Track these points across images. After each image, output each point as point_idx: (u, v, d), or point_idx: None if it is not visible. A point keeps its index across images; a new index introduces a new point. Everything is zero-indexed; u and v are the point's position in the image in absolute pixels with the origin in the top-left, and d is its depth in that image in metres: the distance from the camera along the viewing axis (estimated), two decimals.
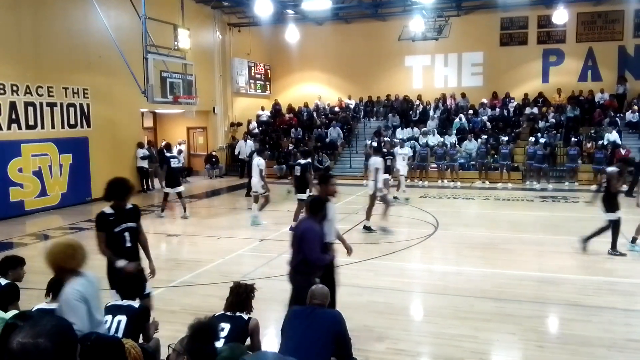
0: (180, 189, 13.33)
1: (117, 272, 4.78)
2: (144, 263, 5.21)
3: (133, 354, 2.76)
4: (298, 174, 11.39)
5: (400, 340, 5.69)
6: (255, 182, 12.16)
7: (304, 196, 10.85)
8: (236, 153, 21.59)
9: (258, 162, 12.05)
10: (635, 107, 19.74)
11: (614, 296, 6.99)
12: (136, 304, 4.26)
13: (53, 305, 4.08)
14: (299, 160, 11.71)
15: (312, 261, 5.02)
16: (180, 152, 21.29)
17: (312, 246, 5.01)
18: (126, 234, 4.98)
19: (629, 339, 5.59)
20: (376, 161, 11.02)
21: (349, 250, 6.00)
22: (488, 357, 5.39)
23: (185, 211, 13.18)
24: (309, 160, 11.76)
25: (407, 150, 16.42)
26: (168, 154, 13.36)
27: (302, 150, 12.76)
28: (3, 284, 4.69)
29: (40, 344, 1.49)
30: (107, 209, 5.00)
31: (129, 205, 5.07)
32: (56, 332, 1.54)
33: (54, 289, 4.23)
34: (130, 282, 4.40)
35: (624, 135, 19.02)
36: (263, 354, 1.67)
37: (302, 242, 5.05)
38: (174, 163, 13.14)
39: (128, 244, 4.99)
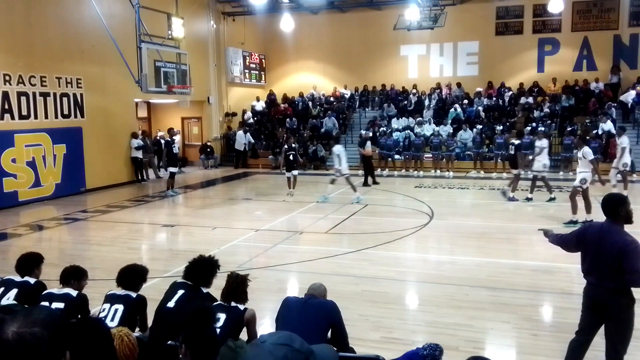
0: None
1: None
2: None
3: (126, 342, 2.73)
4: (512, 152, 13.31)
5: (396, 329, 5.72)
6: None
7: (515, 171, 13.25)
8: (237, 146, 21.55)
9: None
10: (638, 88, 19.73)
11: None
12: (134, 294, 4.26)
13: (63, 291, 4.24)
14: (512, 140, 13.92)
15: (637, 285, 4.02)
16: (174, 141, 21.37)
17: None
18: None
19: None
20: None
21: None
22: (483, 346, 5.42)
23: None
24: (521, 140, 13.59)
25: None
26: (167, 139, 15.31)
27: (517, 131, 15.08)
28: (32, 282, 4.59)
29: (36, 332, 1.50)
30: None
31: None
32: (51, 321, 1.57)
33: (66, 278, 4.40)
34: (130, 273, 4.40)
35: (619, 125, 19.03)
36: (277, 333, 1.72)
37: (626, 258, 3.93)
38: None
39: None
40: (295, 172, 14.36)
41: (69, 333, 1.62)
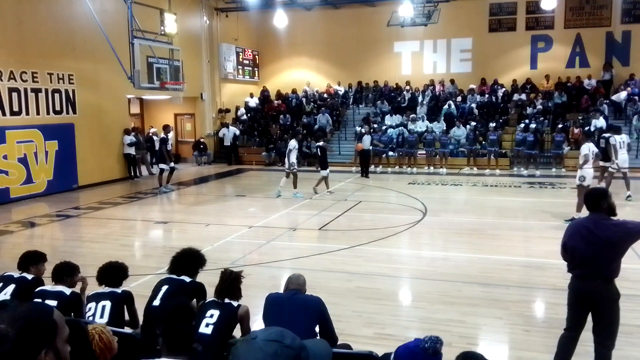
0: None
1: None
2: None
3: (96, 340, 2.59)
4: (603, 145, 12.56)
5: (388, 325, 5.73)
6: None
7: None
8: (225, 143, 21.61)
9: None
10: (629, 89, 19.85)
11: None
12: (119, 289, 4.27)
13: (57, 288, 4.22)
14: (604, 134, 13.18)
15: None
16: (168, 138, 21.31)
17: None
18: None
19: None
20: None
21: None
22: (475, 342, 5.44)
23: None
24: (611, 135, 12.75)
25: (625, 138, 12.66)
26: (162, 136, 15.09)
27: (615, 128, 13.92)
28: (29, 278, 4.61)
29: (1, 330, 1.49)
30: None
31: None
32: (23, 318, 1.54)
33: (58, 274, 4.38)
34: (111, 270, 4.38)
35: (611, 121, 19.12)
36: (269, 328, 1.76)
37: (623, 232, 4.12)
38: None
39: None
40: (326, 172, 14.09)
41: (49, 331, 1.59)
